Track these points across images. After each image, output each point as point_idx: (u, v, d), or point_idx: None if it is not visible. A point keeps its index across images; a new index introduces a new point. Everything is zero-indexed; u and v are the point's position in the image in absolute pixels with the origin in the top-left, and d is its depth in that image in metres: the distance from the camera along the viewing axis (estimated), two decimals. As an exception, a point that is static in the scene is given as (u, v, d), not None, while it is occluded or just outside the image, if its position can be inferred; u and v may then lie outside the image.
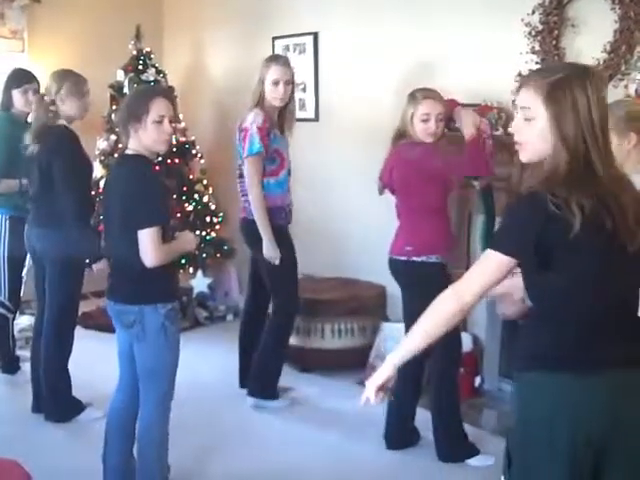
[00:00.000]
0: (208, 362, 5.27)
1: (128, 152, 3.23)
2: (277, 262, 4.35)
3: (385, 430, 4.08)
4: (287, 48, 5.84)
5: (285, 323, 4.58)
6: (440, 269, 3.80)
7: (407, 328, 3.74)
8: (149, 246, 3.08)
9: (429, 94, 3.76)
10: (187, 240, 3.38)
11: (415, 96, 3.78)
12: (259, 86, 4.36)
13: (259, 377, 4.57)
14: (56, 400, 4.35)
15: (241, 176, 4.47)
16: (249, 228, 4.45)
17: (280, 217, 4.43)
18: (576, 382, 2.02)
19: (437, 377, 3.93)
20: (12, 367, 5.06)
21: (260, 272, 4.56)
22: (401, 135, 3.81)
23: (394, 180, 3.86)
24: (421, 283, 3.71)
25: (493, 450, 4.01)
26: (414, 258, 3.78)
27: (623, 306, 2.10)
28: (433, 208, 3.80)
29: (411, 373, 4.00)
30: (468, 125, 3.71)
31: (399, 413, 4.05)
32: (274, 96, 4.34)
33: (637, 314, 2.15)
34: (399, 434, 4.08)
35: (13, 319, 5.10)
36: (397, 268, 3.87)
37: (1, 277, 4.89)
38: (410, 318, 3.73)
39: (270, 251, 4.34)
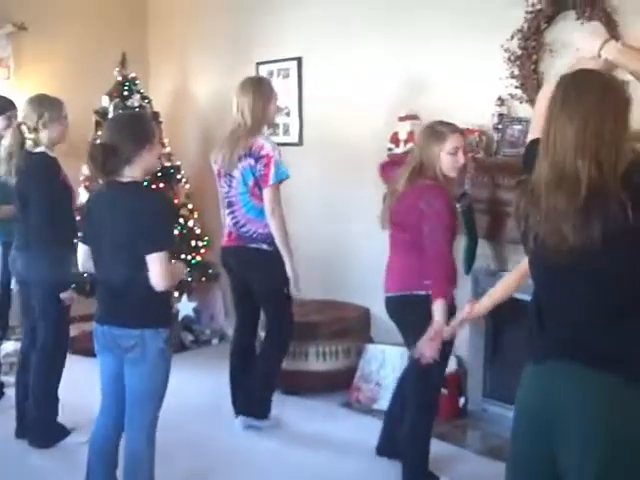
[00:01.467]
0: (194, 386, 5.26)
1: (123, 179, 3.20)
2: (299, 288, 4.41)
3: (380, 435, 4.12)
4: (271, 73, 5.90)
5: (283, 346, 4.62)
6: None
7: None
8: (161, 270, 3.09)
9: (455, 128, 3.71)
10: (180, 269, 3.46)
11: (440, 131, 3.69)
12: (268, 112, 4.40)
13: (255, 399, 4.59)
14: (42, 426, 4.33)
15: (231, 205, 4.44)
16: (249, 255, 4.44)
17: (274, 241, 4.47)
18: None
19: (415, 400, 3.83)
20: None
21: (251, 299, 4.57)
22: (419, 171, 3.70)
23: (407, 217, 3.73)
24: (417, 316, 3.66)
25: (477, 470, 4.05)
26: (418, 292, 3.66)
27: None
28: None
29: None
30: None
31: (393, 426, 4.05)
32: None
33: None
34: (390, 443, 4.08)
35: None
36: (415, 303, 3.68)
37: None
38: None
39: (296, 275, 4.41)
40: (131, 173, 3.20)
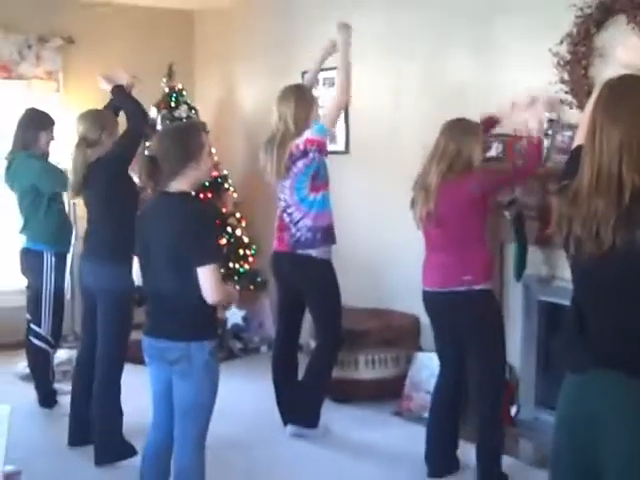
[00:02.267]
0: (243, 394, 5.29)
1: (171, 190, 3.22)
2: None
3: (425, 455, 4.07)
4: (316, 82, 5.91)
5: (332, 355, 4.63)
6: (493, 296, 3.90)
7: (478, 359, 3.83)
8: (213, 282, 3.10)
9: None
10: (233, 294, 3.47)
11: (474, 124, 3.91)
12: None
13: (304, 407, 4.61)
14: (107, 441, 4.29)
15: (288, 207, 4.47)
16: (302, 264, 4.47)
17: (333, 237, 4.51)
18: None
19: (485, 412, 3.88)
20: (50, 401, 5.13)
21: (297, 306, 4.62)
22: (455, 166, 3.80)
23: (443, 212, 3.81)
24: (483, 311, 3.81)
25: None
26: (474, 287, 3.77)
27: None
28: (480, 236, 3.83)
29: (448, 399, 4.02)
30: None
31: (438, 439, 4.05)
32: None
33: None
34: (439, 461, 4.07)
35: (53, 353, 5.19)
36: (454, 299, 3.80)
37: (46, 313, 5.00)
38: (477, 348, 3.83)
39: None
40: (178, 186, 3.21)
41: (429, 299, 3.94)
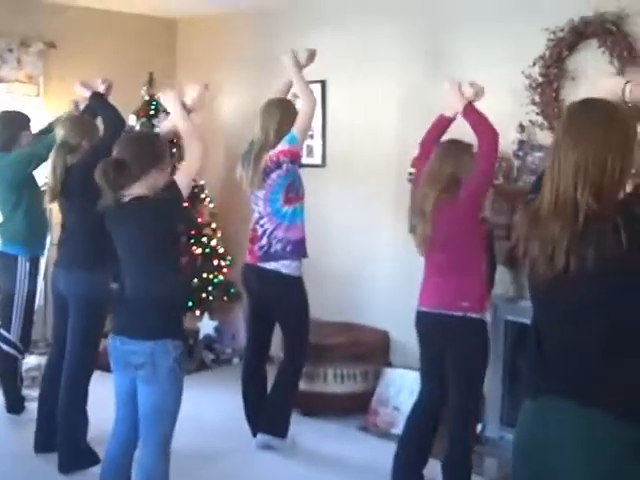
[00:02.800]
0: (214, 404, 5.30)
1: (135, 193, 3.24)
2: None
3: (392, 474, 4.02)
4: (295, 95, 5.93)
5: (300, 367, 4.65)
6: (486, 328, 3.83)
7: (454, 387, 3.78)
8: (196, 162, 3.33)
9: None
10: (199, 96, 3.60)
11: (467, 143, 3.82)
12: None
13: (272, 418, 4.61)
14: (72, 448, 4.29)
15: (261, 218, 4.50)
16: (271, 278, 4.48)
17: (304, 251, 4.52)
18: None
19: (453, 427, 3.86)
20: (17, 407, 5.10)
21: (267, 318, 4.62)
22: (452, 187, 3.73)
23: (442, 235, 3.77)
24: (473, 341, 3.77)
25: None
26: (470, 315, 3.72)
27: None
28: (479, 264, 3.80)
29: (426, 419, 4.01)
30: (456, 98, 3.83)
31: (409, 457, 4.03)
32: None
33: None
34: (405, 478, 4.04)
35: (22, 359, 5.17)
36: (448, 323, 3.76)
37: (16, 318, 4.97)
38: (457, 376, 3.77)
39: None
40: (139, 190, 3.25)
41: (423, 319, 3.89)
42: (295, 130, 4.38)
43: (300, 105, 4.49)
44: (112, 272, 4.78)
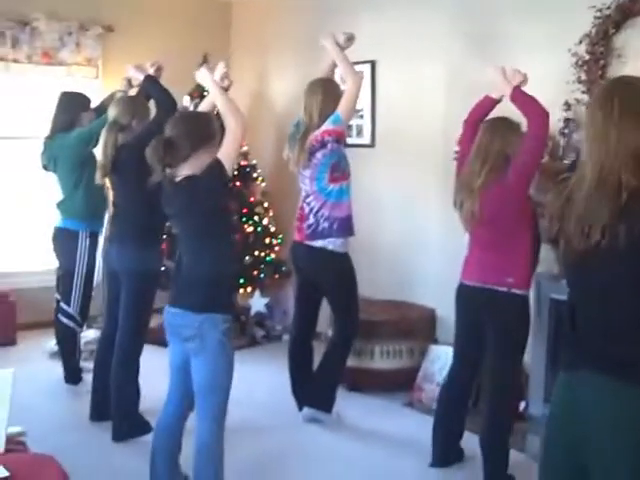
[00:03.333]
0: (263, 380, 5.41)
1: (185, 173, 3.31)
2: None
3: (432, 447, 4.14)
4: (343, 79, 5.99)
5: (347, 345, 4.72)
6: (528, 305, 3.86)
7: (493, 361, 3.83)
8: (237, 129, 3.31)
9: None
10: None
11: (515, 122, 3.84)
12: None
13: (320, 392, 4.70)
14: (125, 417, 4.44)
15: (307, 197, 4.58)
16: (319, 255, 4.55)
17: (350, 229, 4.57)
18: None
19: (490, 402, 3.91)
20: (76, 378, 5.29)
21: (314, 295, 4.71)
22: (500, 165, 3.76)
23: (490, 212, 3.78)
24: (515, 317, 3.81)
25: (536, 475, 4.05)
26: (515, 291, 3.77)
27: None
28: (526, 240, 3.81)
29: (458, 393, 4.08)
30: (502, 83, 3.83)
31: (444, 430, 4.12)
32: None
33: None
34: (444, 452, 4.13)
35: (80, 332, 5.35)
36: (492, 298, 3.80)
37: (76, 292, 5.14)
38: (497, 351, 3.81)
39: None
40: (187, 171, 3.32)
41: (465, 293, 3.93)
42: (340, 110, 4.43)
43: (346, 86, 4.53)
44: (165, 249, 4.95)
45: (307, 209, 4.59)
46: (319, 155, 4.47)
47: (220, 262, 3.39)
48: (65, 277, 5.22)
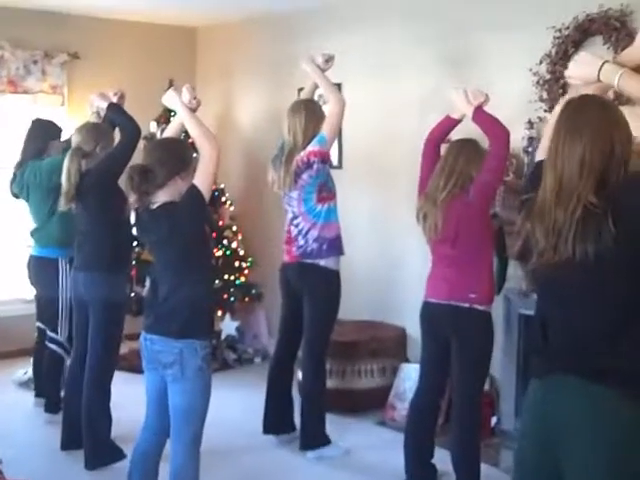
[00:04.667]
0: (236, 404, 5.38)
1: (161, 200, 3.28)
2: None
3: (405, 464, 4.13)
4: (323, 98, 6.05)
5: (323, 368, 4.67)
6: (492, 320, 3.91)
7: (459, 376, 3.87)
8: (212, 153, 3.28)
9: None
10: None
11: (481, 146, 3.90)
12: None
13: (309, 427, 4.62)
14: (96, 446, 4.41)
15: (295, 218, 4.57)
16: (309, 271, 4.55)
17: (340, 248, 4.59)
18: None
19: (459, 418, 3.95)
20: (56, 407, 5.15)
21: (298, 316, 4.65)
22: (462, 183, 3.83)
23: (452, 228, 3.85)
24: (479, 332, 3.85)
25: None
26: (477, 306, 3.82)
27: None
28: (487, 256, 3.90)
29: (426, 410, 4.11)
30: (463, 104, 3.89)
31: (415, 448, 4.13)
32: None
33: None
34: (417, 469, 4.14)
35: (68, 359, 5.26)
36: (455, 314, 3.85)
37: (62, 318, 5.06)
38: (461, 366, 3.85)
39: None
40: (163, 197, 3.30)
41: (429, 311, 3.97)
42: (325, 130, 4.45)
43: (328, 106, 4.56)
44: (135, 275, 4.93)
45: (295, 231, 4.58)
46: (305, 176, 4.48)
47: (200, 287, 3.38)
48: (49, 305, 5.14)
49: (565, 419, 2.24)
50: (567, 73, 2.48)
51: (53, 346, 5.16)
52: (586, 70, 2.39)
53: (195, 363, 3.28)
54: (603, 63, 2.34)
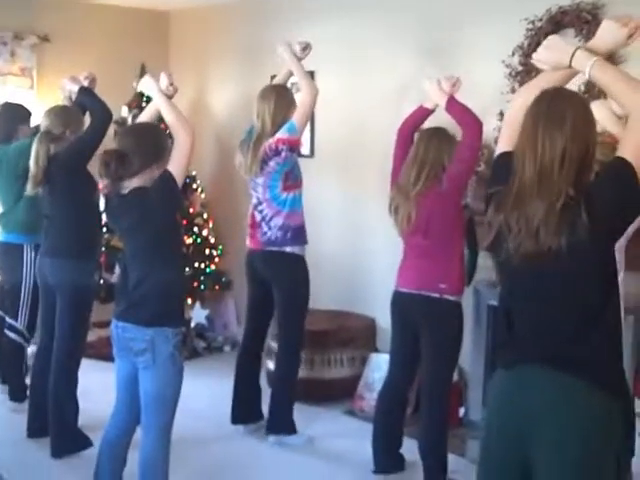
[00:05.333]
0: (205, 393, 5.36)
1: (133, 186, 3.25)
2: None
3: (373, 454, 4.15)
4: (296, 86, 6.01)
5: (297, 356, 4.67)
6: (462, 311, 3.93)
7: (428, 366, 3.89)
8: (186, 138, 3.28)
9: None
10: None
11: (451, 134, 3.93)
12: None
13: (276, 413, 4.62)
14: (64, 433, 4.38)
15: (259, 204, 4.55)
16: (275, 259, 4.55)
17: (304, 237, 4.60)
18: None
19: (428, 407, 3.97)
20: (22, 395, 5.10)
21: (266, 304, 4.66)
22: (435, 173, 3.83)
23: (424, 219, 3.85)
24: (449, 322, 3.87)
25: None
26: (447, 296, 3.84)
27: None
28: (458, 247, 3.92)
29: (395, 400, 4.12)
30: (437, 94, 3.90)
31: (384, 436, 4.14)
32: None
33: None
34: (385, 459, 4.16)
35: (27, 347, 5.22)
36: (425, 304, 3.88)
37: (23, 307, 5.01)
38: (430, 356, 3.87)
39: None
40: (137, 183, 3.27)
41: (399, 300, 3.99)
42: (295, 118, 4.42)
43: (300, 94, 4.53)
44: (104, 261, 4.88)
45: (259, 217, 4.57)
46: (272, 163, 4.45)
47: (172, 275, 3.37)
48: (11, 292, 5.08)
49: (534, 409, 2.25)
50: (536, 57, 2.42)
51: (12, 334, 5.09)
52: (557, 55, 2.35)
53: (167, 350, 3.27)
54: (575, 50, 2.31)
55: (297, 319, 4.63)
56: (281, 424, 4.62)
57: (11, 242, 5.03)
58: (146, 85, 3.64)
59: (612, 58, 2.36)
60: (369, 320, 5.45)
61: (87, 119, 4.53)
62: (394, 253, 4.12)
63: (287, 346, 4.66)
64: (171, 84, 3.60)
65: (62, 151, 4.31)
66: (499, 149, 2.47)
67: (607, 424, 2.22)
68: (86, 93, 4.49)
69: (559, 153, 2.19)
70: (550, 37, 2.43)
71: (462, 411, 4.78)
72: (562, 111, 2.23)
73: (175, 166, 3.25)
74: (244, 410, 4.75)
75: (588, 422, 2.21)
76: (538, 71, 4.27)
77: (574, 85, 2.58)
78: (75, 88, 4.55)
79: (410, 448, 4.13)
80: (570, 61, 2.31)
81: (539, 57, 2.42)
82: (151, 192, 3.25)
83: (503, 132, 2.50)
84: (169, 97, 3.56)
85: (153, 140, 3.38)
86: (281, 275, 4.58)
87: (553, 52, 2.37)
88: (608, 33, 2.36)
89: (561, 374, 2.22)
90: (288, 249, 4.53)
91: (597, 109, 2.88)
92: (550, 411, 2.23)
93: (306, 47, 4.65)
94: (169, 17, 7.33)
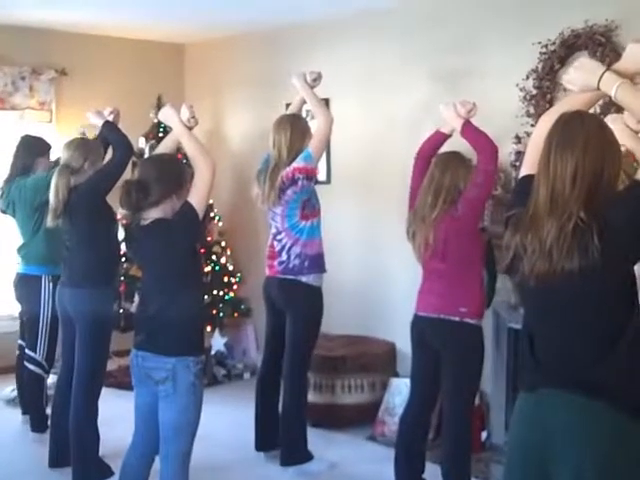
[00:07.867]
0: (225, 420, 5.36)
1: (153, 217, 3.27)
2: None
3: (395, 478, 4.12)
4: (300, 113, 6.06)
5: (304, 383, 4.66)
6: (482, 334, 3.92)
7: (449, 390, 3.88)
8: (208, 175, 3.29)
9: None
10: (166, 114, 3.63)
11: (467, 158, 3.92)
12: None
13: (288, 443, 4.60)
14: (84, 463, 4.37)
15: (278, 234, 4.56)
16: (290, 288, 4.54)
17: (322, 266, 4.59)
18: None
19: (450, 432, 3.94)
20: (43, 425, 5.11)
21: (282, 331, 4.63)
22: (451, 198, 3.83)
23: (442, 244, 3.84)
24: (469, 346, 3.85)
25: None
26: (468, 320, 3.82)
27: None
28: (477, 270, 3.91)
29: (416, 425, 4.11)
30: (453, 118, 3.90)
31: (407, 462, 4.11)
32: None
33: None
34: None
35: (47, 378, 5.24)
36: (446, 328, 3.85)
37: (42, 338, 5.04)
38: (452, 380, 3.85)
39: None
40: (156, 214, 3.28)
41: (419, 324, 3.97)
42: (311, 147, 4.44)
43: (316, 123, 4.56)
44: (123, 291, 4.91)
45: (278, 246, 4.57)
46: (289, 192, 4.46)
47: (192, 304, 3.38)
48: (30, 323, 5.12)
49: (555, 432, 2.24)
50: (566, 78, 2.43)
51: (31, 366, 5.12)
52: (586, 77, 2.36)
53: (188, 379, 3.27)
54: (604, 72, 2.32)
55: (305, 349, 4.61)
56: (295, 454, 4.59)
57: (30, 274, 5.07)
58: (166, 115, 3.65)
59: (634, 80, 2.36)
60: (389, 345, 5.45)
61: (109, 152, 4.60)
62: (413, 277, 4.13)
63: (292, 375, 4.61)
64: (192, 117, 3.63)
65: (83, 183, 4.36)
66: (522, 172, 2.49)
67: (628, 446, 2.20)
68: (110, 127, 4.55)
69: (570, 173, 2.20)
70: (581, 58, 2.45)
71: (484, 435, 4.75)
72: (575, 132, 2.24)
73: (196, 197, 3.26)
74: (267, 437, 4.73)
75: (609, 445, 2.19)
76: (552, 94, 4.39)
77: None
78: (99, 122, 4.61)
79: (433, 473, 4.10)
80: (598, 83, 2.33)
81: (569, 78, 2.43)
82: (172, 224, 3.27)
83: (527, 156, 2.51)
84: (189, 129, 3.59)
85: (174, 170, 3.41)
86: (295, 305, 4.58)
87: (583, 73, 2.38)
88: (633, 56, 2.38)
89: (581, 397, 2.21)
90: (304, 279, 4.52)
91: (612, 123, 2.89)
92: (570, 434, 2.22)
93: (317, 77, 4.69)
94: (184, 49, 7.42)
